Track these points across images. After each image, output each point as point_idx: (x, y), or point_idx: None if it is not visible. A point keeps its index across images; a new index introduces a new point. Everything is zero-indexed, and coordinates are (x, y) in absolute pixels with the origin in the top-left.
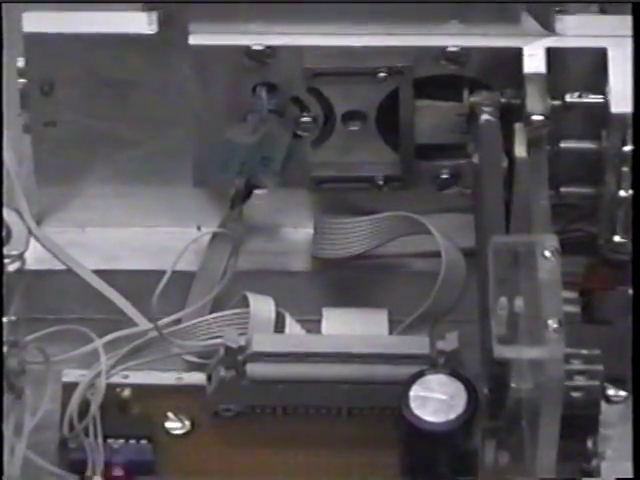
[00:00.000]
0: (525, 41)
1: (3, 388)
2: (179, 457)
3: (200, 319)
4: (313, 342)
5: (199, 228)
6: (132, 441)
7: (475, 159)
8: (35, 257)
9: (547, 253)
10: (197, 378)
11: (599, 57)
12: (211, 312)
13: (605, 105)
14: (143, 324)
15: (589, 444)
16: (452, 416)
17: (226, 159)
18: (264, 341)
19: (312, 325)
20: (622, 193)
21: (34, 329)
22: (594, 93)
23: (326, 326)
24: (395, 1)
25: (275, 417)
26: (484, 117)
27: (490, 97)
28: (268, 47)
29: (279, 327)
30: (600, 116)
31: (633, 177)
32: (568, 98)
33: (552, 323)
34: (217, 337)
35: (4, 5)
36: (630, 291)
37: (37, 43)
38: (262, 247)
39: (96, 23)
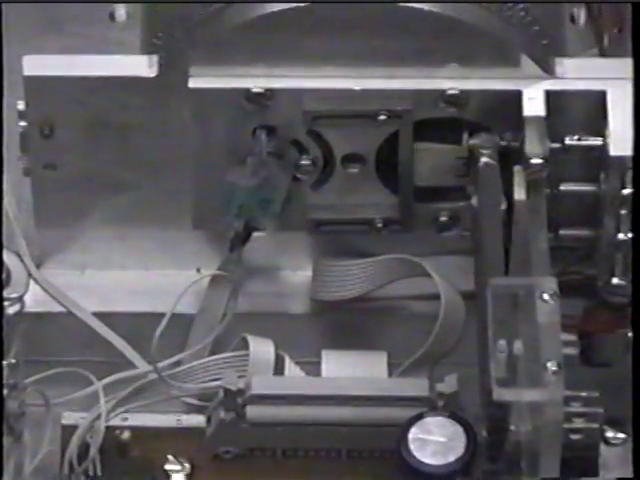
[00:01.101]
0: (525, 84)
1: (3, 431)
2: None
3: (200, 361)
4: (312, 384)
5: (198, 270)
6: None
7: (474, 202)
8: (35, 299)
9: (546, 296)
10: (197, 420)
11: (599, 100)
12: (211, 354)
13: (604, 148)
14: (142, 366)
15: None
16: (451, 458)
17: (226, 201)
18: (263, 383)
19: (311, 367)
20: (621, 236)
21: (34, 372)
22: (593, 136)
23: (325, 368)
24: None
25: (275, 459)
26: (483, 160)
27: (489, 140)
28: (268, 90)
29: (278, 369)
30: (599, 159)
31: (633, 220)
32: (567, 141)
33: (551, 366)
34: (216, 379)
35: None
36: (629, 334)
37: (37, 86)
38: (261, 289)
39: (96, 66)
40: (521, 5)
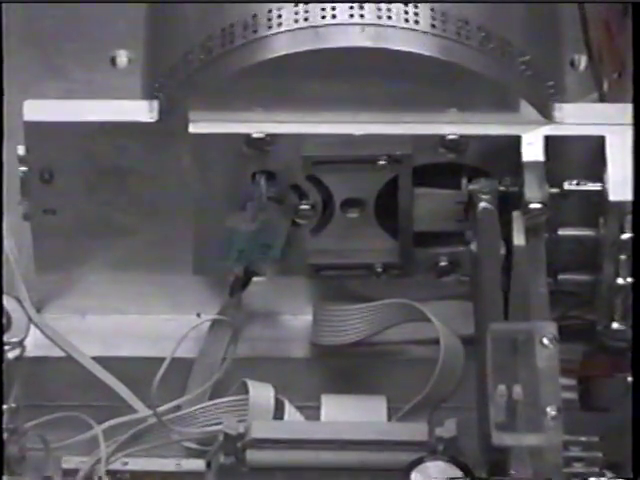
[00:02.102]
0: (524, 129)
1: (3, 475)
2: None
3: (199, 406)
4: (312, 429)
5: (199, 315)
6: None
7: (473, 247)
8: (35, 344)
9: (545, 341)
10: (197, 465)
11: (598, 145)
12: (210, 399)
13: (603, 193)
14: (142, 410)
15: None
16: None
17: (225, 246)
18: (263, 428)
19: (311, 412)
20: (620, 281)
21: (34, 416)
22: (592, 181)
23: (325, 413)
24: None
25: None
26: (482, 205)
27: (488, 185)
28: (267, 135)
29: (278, 414)
30: (598, 204)
31: (633, 265)
32: (566, 186)
33: (550, 410)
34: (216, 424)
35: (5, 91)
36: (629, 378)
37: (38, 131)
38: (261, 334)
39: (97, 111)
40: (521, 50)
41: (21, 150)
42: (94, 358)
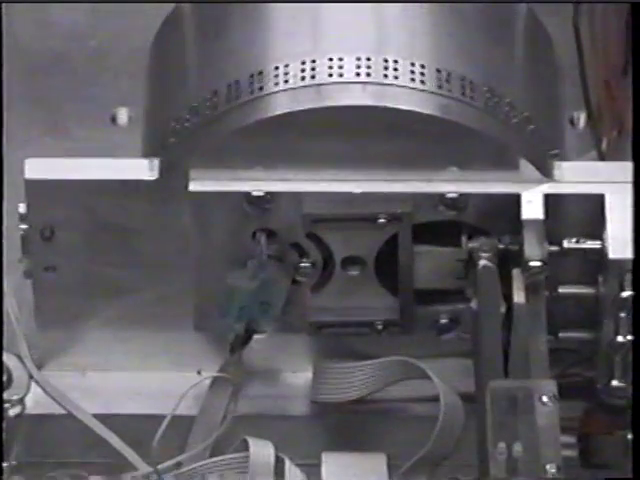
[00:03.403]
0: (523, 187)
1: None
2: None
3: (200, 463)
4: None
5: (199, 372)
6: None
7: (474, 304)
8: (36, 401)
9: (545, 398)
10: None
11: (597, 203)
12: (211, 456)
13: (602, 251)
14: (143, 468)
15: None
16: None
17: (226, 304)
18: None
19: (312, 470)
20: (619, 338)
21: (35, 473)
22: (591, 239)
23: (325, 471)
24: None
25: None
26: (482, 263)
27: (488, 243)
28: (268, 193)
29: (279, 472)
30: (597, 261)
31: (633, 322)
32: (566, 244)
33: (550, 468)
34: None
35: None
36: (629, 436)
37: (38, 189)
38: (262, 391)
39: (97, 169)
40: (520, 108)
41: (22, 208)
42: (95, 415)
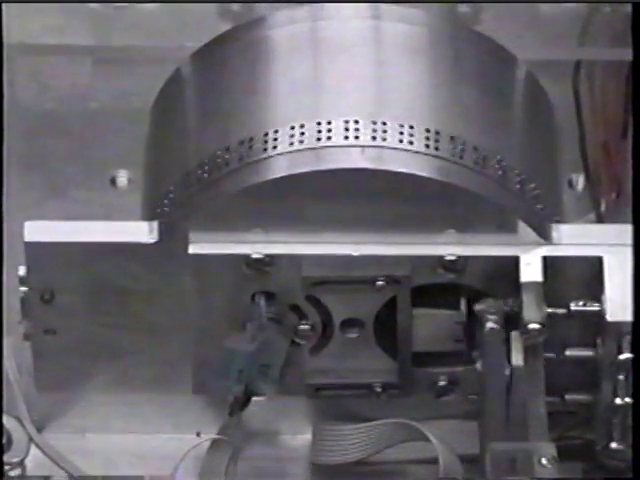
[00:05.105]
0: (522, 250)
1: None
2: None
3: None
4: None
5: (198, 434)
6: None
7: (479, 366)
8: (36, 463)
9: (544, 461)
10: None
11: (595, 265)
12: None
13: (601, 313)
14: None
15: None
16: None
17: (225, 366)
18: None
19: None
20: (618, 400)
21: None
22: (590, 301)
23: None
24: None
25: None
26: (489, 325)
27: (495, 305)
28: (267, 256)
29: None
30: (596, 324)
31: (634, 385)
32: (564, 306)
33: None
34: None
35: (6, 211)
36: None
37: (38, 252)
38: (261, 453)
39: (97, 232)
40: (519, 171)
41: (22, 271)
42: (95, 478)
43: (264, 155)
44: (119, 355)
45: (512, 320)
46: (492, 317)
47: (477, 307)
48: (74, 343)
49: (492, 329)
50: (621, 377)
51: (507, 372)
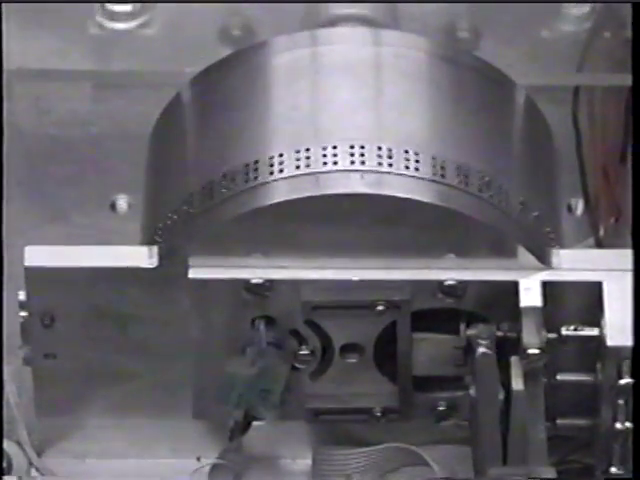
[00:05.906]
0: (521, 275)
1: None
2: None
3: None
4: None
5: (198, 459)
6: None
7: (472, 392)
8: None
9: None
10: None
11: (595, 290)
12: None
13: (600, 338)
14: None
15: None
16: None
17: (225, 391)
18: None
19: None
20: (618, 425)
21: None
22: (590, 326)
23: None
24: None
25: None
26: (481, 350)
27: (486, 330)
28: (267, 281)
29: None
30: (596, 349)
31: (634, 410)
32: (564, 331)
33: None
34: None
35: (5, 236)
36: None
37: (38, 277)
38: (261, 478)
39: (97, 257)
40: (518, 196)
41: (22, 295)
42: None
43: (264, 180)
44: (119, 380)
45: (509, 345)
46: (484, 342)
47: (469, 332)
48: (74, 367)
49: (484, 354)
50: (621, 402)
51: (500, 397)
